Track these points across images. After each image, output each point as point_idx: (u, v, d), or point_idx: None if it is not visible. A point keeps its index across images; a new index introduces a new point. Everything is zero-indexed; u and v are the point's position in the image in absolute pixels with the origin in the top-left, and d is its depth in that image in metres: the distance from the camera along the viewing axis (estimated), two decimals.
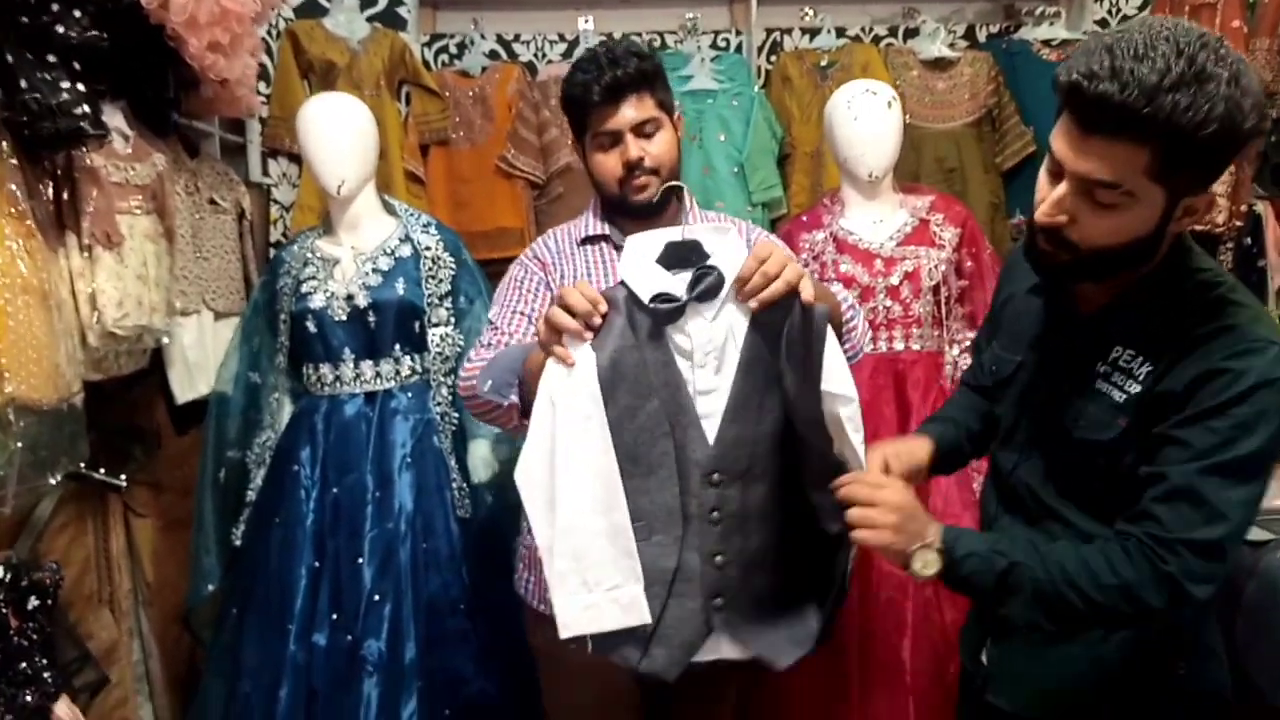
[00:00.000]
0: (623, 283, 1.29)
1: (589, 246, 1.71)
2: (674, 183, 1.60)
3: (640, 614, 1.26)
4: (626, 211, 1.66)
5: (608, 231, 1.70)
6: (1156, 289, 1.13)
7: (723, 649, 1.32)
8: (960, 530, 1.19)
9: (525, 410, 1.48)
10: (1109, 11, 3.19)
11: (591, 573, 1.25)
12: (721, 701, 1.80)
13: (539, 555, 1.65)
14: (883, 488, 1.21)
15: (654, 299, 1.26)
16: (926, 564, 1.16)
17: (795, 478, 1.30)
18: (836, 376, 1.27)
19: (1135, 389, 1.12)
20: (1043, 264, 1.16)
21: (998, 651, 1.34)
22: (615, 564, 1.25)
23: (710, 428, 1.27)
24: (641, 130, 1.61)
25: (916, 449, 1.42)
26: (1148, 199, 1.04)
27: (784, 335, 1.25)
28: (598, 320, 1.25)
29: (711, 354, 1.27)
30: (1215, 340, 1.07)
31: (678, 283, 1.28)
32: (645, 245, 1.31)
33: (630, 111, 1.59)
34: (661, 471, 1.26)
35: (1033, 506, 1.27)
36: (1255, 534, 1.48)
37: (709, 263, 1.28)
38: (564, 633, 1.27)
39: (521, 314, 1.65)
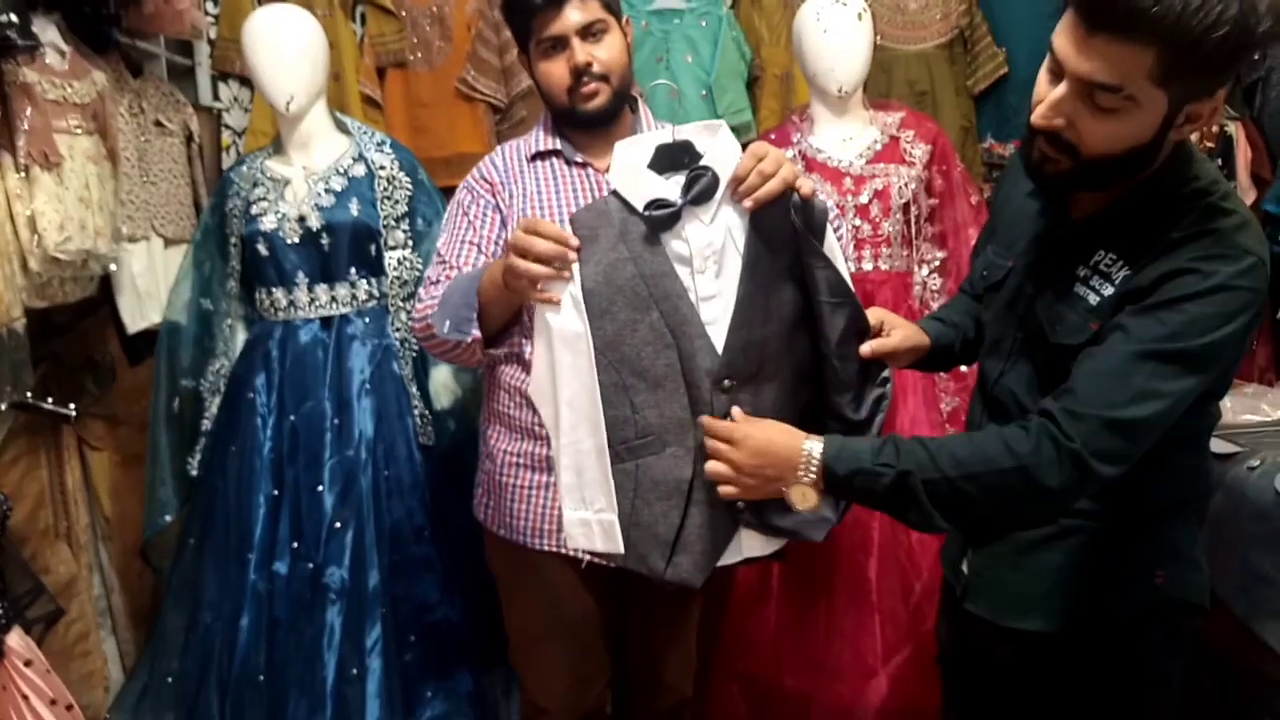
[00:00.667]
0: (614, 192, 1.27)
1: (539, 162, 1.65)
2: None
3: (614, 543, 1.27)
4: (577, 122, 1.61)
5: (559, 146, 1.64)
6: (1150, 195, 1.10)
7: (745, 547, 1.31)
8: (842, 443, 1.15)
9: (489, 340, 1.47)
10: None
11: (588, 490, 1.29)
12: (686, 622, 1.80)
13: (497, 479, 1.66)
14: (732, 439, 1.19)
15: (648, 206, 1.23)
16: (804, 497, 1.16)
17: (804, 374, 1.29)
18: (840, 269, 1.27)
19: (1109, 291, 1.10)
20: (1042, 172, 1.11)
21: (978, 559, 1.33)
22: (600, 486, 1.27)
23: (717, 334, 1.25)
24: (588, 32, 1.55)
25: (917, 332, 1.40)
26: (1150, 104, 1.00)
27: (784, 231, 1.23)
28: (572, 256, 1.24)
29: (711, 258, 1.25)
30: (1192, 243, 1.05)
31: (671, 186, 1.25)
32: (635, 151, 1.28)
33: (575, 14, 1.53)
34: (668, 384, 1.25)
35: (1016, 415, 1.23)
36: (1221, 447, 1.48)
37: (702, 163, 1.25)
38: (570, 543, 1.32)
39: (470, 243, 1.61)
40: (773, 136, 2.23)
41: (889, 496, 1.11)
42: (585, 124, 1.60)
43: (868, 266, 2.09)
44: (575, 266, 1.25)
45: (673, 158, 1.28)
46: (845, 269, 1.27)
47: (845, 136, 2.13)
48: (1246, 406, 1.70)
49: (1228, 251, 1.03)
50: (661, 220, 1.23)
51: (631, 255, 1.24)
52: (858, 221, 2.07)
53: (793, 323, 1.27)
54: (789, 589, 2.09)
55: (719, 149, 1.25)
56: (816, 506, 1.17)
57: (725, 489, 1.19)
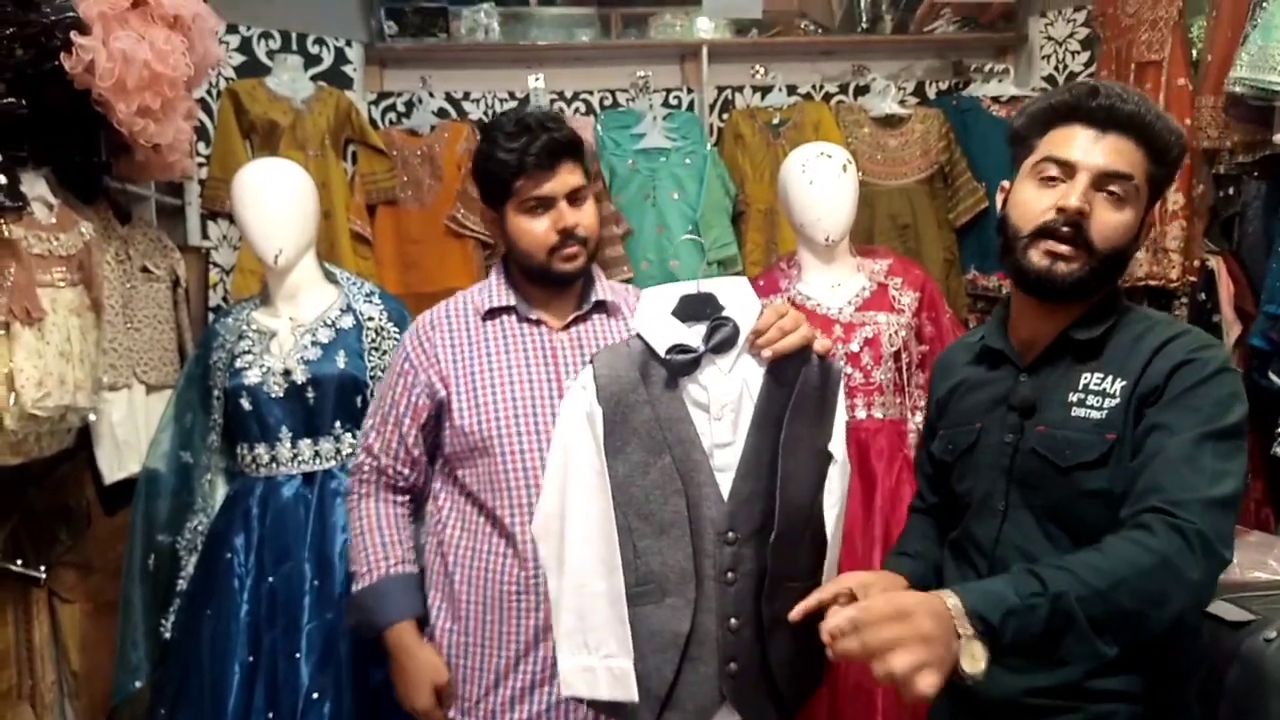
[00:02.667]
0: (638, 335, 1.30)
1: (490, 321, 1.63)
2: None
3: (628, 690, 1.24)
4: (549, 280, 1.60)
5: (513, 302, 1.63)
6: (1102, 317, 1.23)
7: (726, 714, 1.28)
8: (976, 589, 1.02)
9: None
10: (1055, 68, 3.23)
11: (593, 635, 1.26)
12: None
13: (445, 662, 1.59)
14: (870, 607, 0.98)
15: (670, 350, 1.27)
16: (975, 656, 0.95)
17: (813, 536, 1.30)
18: (838, 437, 1.30)
19: (1114, 403, 1.17)
20: (1053, 274, 1.19)
21: None
22: (612, 630, 1.25)
23: (725, 483, 1.26)
24: (575, 198, 1.57)
25: (894, 581, 1.33)
26: (1141, 200, 1.20)
27: (797, 387, 1.27)
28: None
29: (728, 406, 1.27)
30: (1176, 341, 1.17)
31: (693, 335, 1.29)
32: (660, 298, 1.33)
33: (566, 177, 1.55)
34: (674, 530, 1.25)
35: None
36: (1234, 614, 1.44)
37: (723, 314, 1.29)
38: (565, 690, 1.29)
39: (394, 427, 1.62)
40: (761, 283, 2.24)
41: (1047, 632, 0.99)
42: (557, 283, 1.60)
43: (861, 414, 2.07)
44: (596, 407, 1.26)
45: (696, 308, 1.32)
46: (843, 432, 1.31)
47: (833, 283, 2.14)
48: (1253, 561, 1.66)
49: (1209, 342, 1.18)
50: (682, 365, 1.27)
51: (650, 399, 1.27)
52: (849, 369, 2.06)
53: (804, 481, 1.28)
54: None
55: (740, 302, 1.31)
56: (987, 670, 0.95)
57: (896, 660, 0.93)
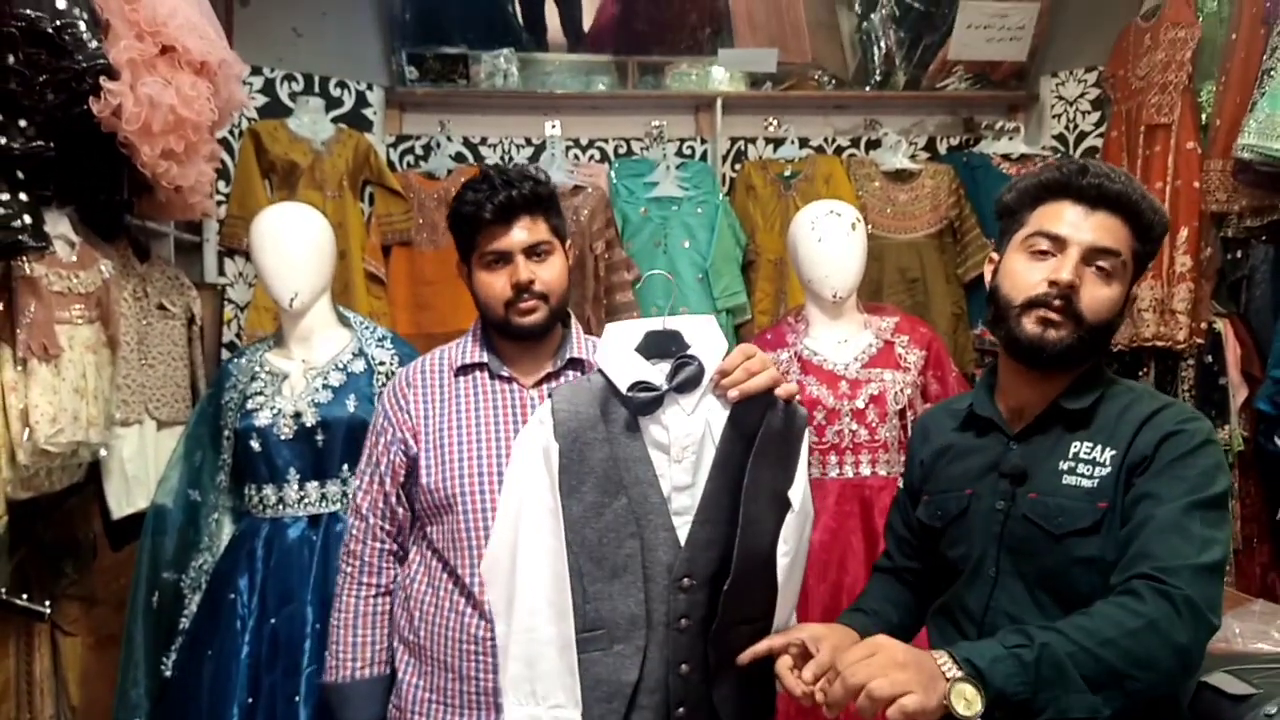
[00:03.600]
0: (599, 371, 1.27)
1: (463, 377, 1.64)
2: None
3: None
4: (510, 334, 1.61)
5: (485, 359, 1.63)
6: (1086, 389, 1.26)
7: None
8: (960, 645, 1.06)
9: None
10: (1066, 127, 3.26)
11: (541, 684, 1.22)
12: None
13: (408, 717, 1.59)
14: (839, 647, 1.15)
15: (632, 387, 1.24)
16: (969, 700, 0.99)
17: (769, 587, 1.27)
18: (799, 484, 1.28)
19: (1105, 472, 1.19)
20: (1044, 341, 1.22)
21: None
22: (560, 680, 1.21)
23: (682, 526, 1.24)
24: (533, 252, 1.57)
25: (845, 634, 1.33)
26: (1126, 275, 1.25)
27: (760, 431, 1.24)
28: None
29: (689, 448, 1.24)
30: (1163, 413, 1.20)
31: (657, 372, 1.26)
32: (625, 333, 1.30)
33: (522, 233, 1.56)
34: (626, 576, 1.22)
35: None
36: (1235, 686, 1.43)
37: (689, 352, 1.27)
38: None
39: (379, 485, 1.63)
40: (768, 337, 2.26)
41: (1038, 680, 1.01)
42: (517, 337, 1.61)
43: (865, 471, 2.08)
44: (552, 443, 1.23)
45: (661, 345, 1.30)
46: (804, 479, 1.28)
47: (840, 339, 2.15)
48: (1255, 633, 1.65)
49: (1194, 415, 1.21)
50: (644, 403, 1.24)
51: (609, 436, 1.24)
52: (854, 426, 2.07)
53: (764, 527, 1.25)
54: None
55: (706, 341, 1.28)
56: (984, 714, 0.98)
57: (905, 701, 0.97)
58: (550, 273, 1.58)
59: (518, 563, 1.23)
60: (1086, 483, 1.20)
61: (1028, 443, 1.27)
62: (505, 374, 1.62)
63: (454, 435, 1.57)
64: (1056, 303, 1.21)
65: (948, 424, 1.41)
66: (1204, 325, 2.73)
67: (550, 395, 1.33)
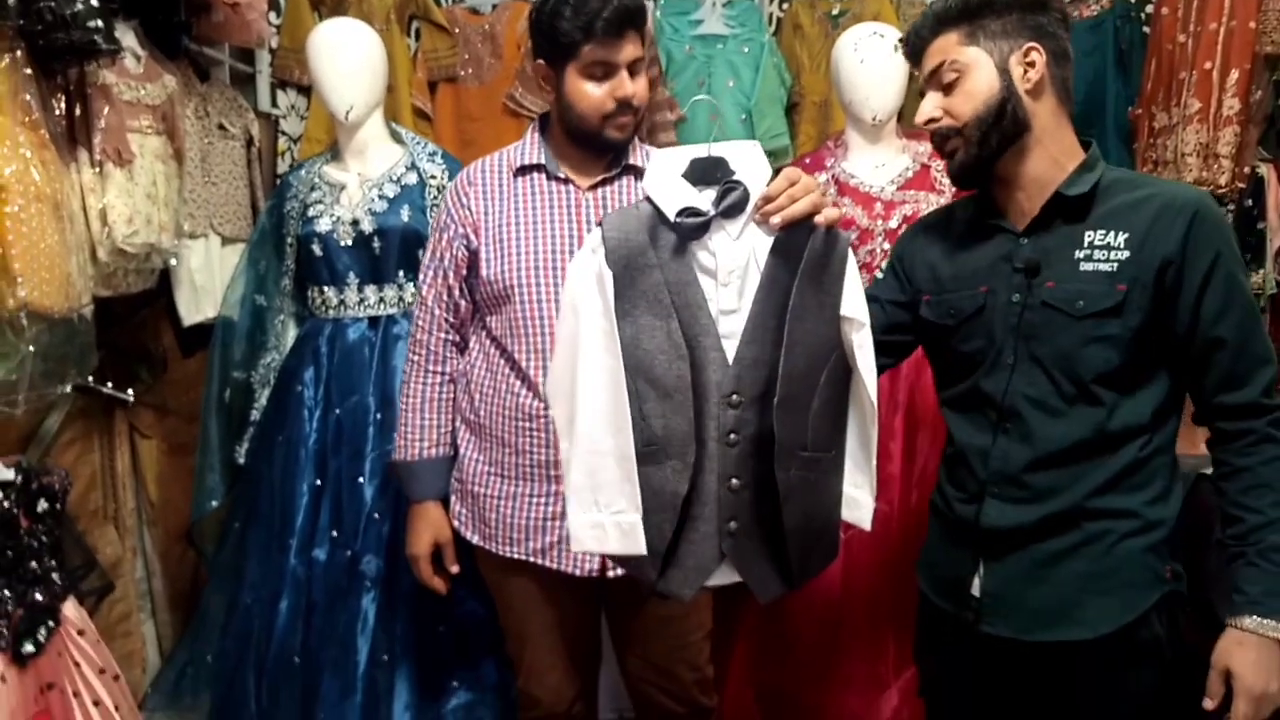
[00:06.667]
0: (647, 198, 1.29)
1: (521, 178, 1.69)
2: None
3: (636, 543, 1.26)
4: (594, 146, 1.65)
5: (543, 160, 1.68)
6: (1083, 180, 1.33)
7: (726, 573, 1.33)
8: (1243, 603, 1.25)
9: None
10: None
11: (602, 493, 1.26)
12: (691, 633, 1.81)
13: (470, 489, 1.73)
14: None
15: (679, 213, 1.26)
16: None
17: (821, 404, 1.30)
18: (854, 301, 1.28)
19: (1124, 255, 1.28)
20: (961, 174, 1.38)
21: (992, 581, 1.38)
22: (619, 487, 1.25)
23: (731, 348, 1.27)
24: (634, 69, 1.60)
25: None
26: (976, 61, 1.33)
27: (804, 256, 1.26)
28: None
29: (735, 272, 1.27)
30: (1166, 201, 1.29)
31: (703, 199, 1.28)
32: (671, 160, 1.31)
33: (629, 47, 1.57)
34: (677, 395, 1.26)
35: (1033, 416, 1.34)
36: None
37: (734, 178, 1.28)
38: (575, 546, 1.31)
39: (443, 279, 1.74)
40: (807, 161, 2.30)
41: None
42: (603, 148, 1.65)
43: None
44: (605, 269, 1.26)
45: (706, 171, 1.30)
46: (861, 295, 1.30)
47: (878, 163, 2.19)
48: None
49: (1194, 197, 1.29)
50: (691, 229, 1.26)
51: (659, 262, 1.27)
52: (887, 245, 2.12)
53: (814, 347, 1.28)
54: (805, 602, 2.14)
55: (751, 167, 1.30)
56: None
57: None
58: (644, 89, 1.62)
59: (577, 382, 1.26)
60: (1105, 267, 1.29)
61: (1036, 238, 1.35)
62: (562, 175, 1.68)
63: (512, 230, 1.66)
64: None
65: (946, 230, 1.49)
66: (1247, 170, 2.72)
67: (607, 209, 1.37)
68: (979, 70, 1.32)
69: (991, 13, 1.33)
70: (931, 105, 1.37)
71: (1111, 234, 1.29)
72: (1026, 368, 1.35)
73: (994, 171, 1.37)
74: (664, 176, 1.30)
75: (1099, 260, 1.29)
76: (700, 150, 1.31)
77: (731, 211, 1.27)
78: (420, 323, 1.78)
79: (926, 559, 1.54)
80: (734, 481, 1.28)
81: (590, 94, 1.59)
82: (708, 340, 1.27)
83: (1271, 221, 2.69)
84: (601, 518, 1.27)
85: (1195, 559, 1.52)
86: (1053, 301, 1.31)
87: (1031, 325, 1.34)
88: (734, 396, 1.27)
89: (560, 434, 1.31)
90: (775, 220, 1.26)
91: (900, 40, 1.43)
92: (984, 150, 1.34)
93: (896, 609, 2.06)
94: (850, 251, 1.30)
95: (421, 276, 1.77)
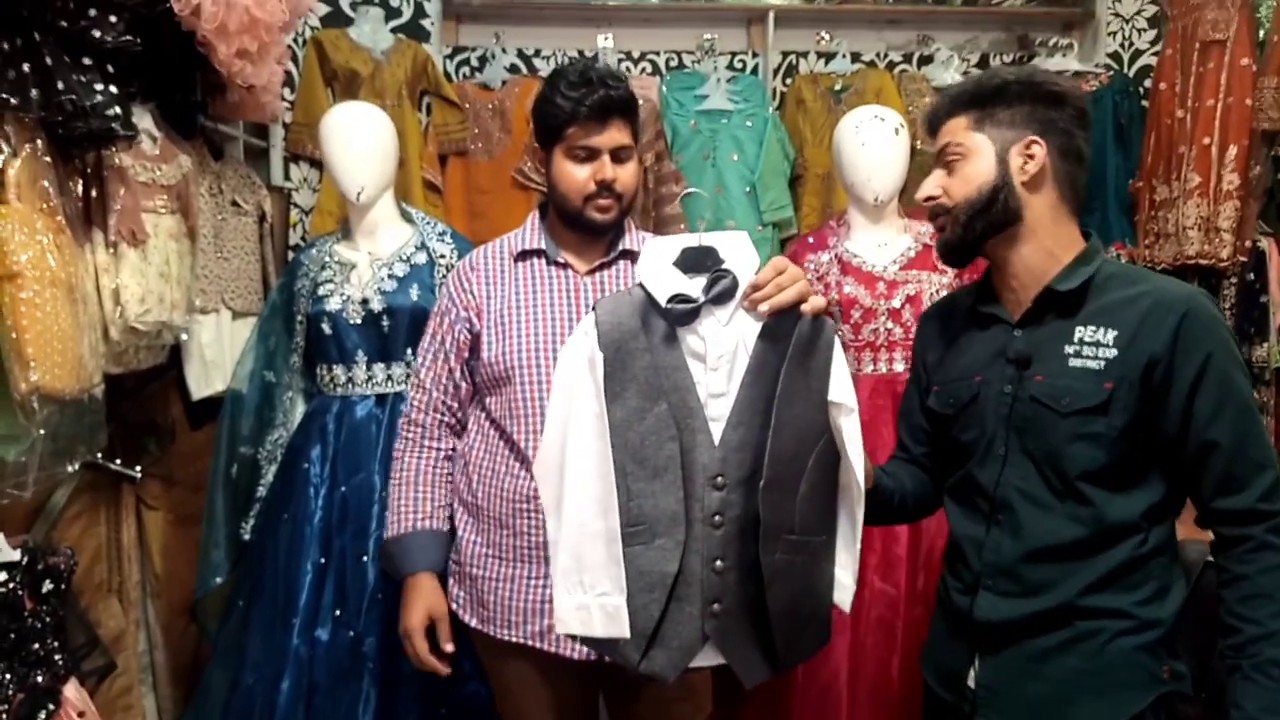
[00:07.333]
0: (640, 284, 1.33)
1: (522, 262, 1.74)
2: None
3: (620, 626, 1.27)
4: (580, 227, 1.70)
5: (543, 246, 1.74)
6: (1077, 273, 1.34)
7: (710, 655, 1.32)
8: (1246, 715, 1.21)
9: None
10: (1121, 45, 3.24)
11: (588, 575, 1.27)
12: (690, 715, 1.80)
13: (467, 571, 1.73)
14: None
15: (670, 299, 1.30)
16: None
17: (809, 488, 1.31)
18: (841, 386, 1.30)
19: (1111, 354, 1.28)
20: (945, 252, 1.42)
21: (988, 673, 1.37)
22: (605, 569, 1.26)
23: (717, 430, 1.29)
24: (618, 155, 1.66)
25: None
26: (978, 147, 1.36)
27: (792, 342, 1.28)
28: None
29: (724, 357, 1.30)
30: (1158, 300, 1.28)
31: (694, 286, 1.31)
32: (663, 249, 1.35)
33: (613, 134, 1.65)
34: (667, 475, 1.27)
35: (1023, 508, 1.34)
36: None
37: (724, 267, 1.32)
38: (560, 628, 1.32)
39: (444, 361, 1.76)
40: (811, 240, 2.33)
41: None
42: (587, 230, 1.70)
43: (899, 368, 2.16)
44: (597, 352, 1.29)
45: (697, 260, 1.34)
46: (849, 381, 1.31)
47: (880, 242, 2.22)
48: None
49: (1183, 296, 1.28)
50: (681, 314, 1.29)
51: (649, 346, 1.29)
52: (890, 324, 2.15)
53: (802, 432, 1.30)
54: (809, 686, 2.11)
55: (740, 256, 1.33)
56: None
57: None
58: (628, 176, 1.68)
59: (566, 464, 1.28)
60: (1093, 364, 1.28)
61: (1030, 330, 1.36)
62: (561, 260, 1.73)
63: (513, 314, 1.69)
64: None
65: (952, 319, 1.51)
66: (1248, 244, 2.75)
67: (605, 294, 1.36)
68: (979, 156, 1.35)
69: (1002, 101, 1.35)
70: (933, 183, 1.40)
71: (1101, 331, 1.29)
72: (1018, 459, 1.35)
73: (985, 255, 1.40)
74: (656, 264, 1.34)
75: (1087, 357, 1.29)
76: (692, 239, 1.35)
77: (721, 299, 1.30)
78: (416, 403, 1.80)
79: (929, 649, 1.53)
80: (718, 563, 1.29)
81: (573, 175, 1.66)
82: (696, 423, 1.29)
83: (1274, 295, 2.71)
84: (587, 600, 1.28)
85: (1204, 649, 1.51)
86: (1040, 396, 1.32)
87: (1022, 418, 1.34)
88: (719, 479, 1.28)
89: (548, 514, 1.33)
90: (763, 308, 1.29)
91: (924, 116, 1.48)
92: (968, 233, 1.37)
93: (904, 696, 2.04)
94: (836, 338, 1.32)
95: (420, 359, 1.79)
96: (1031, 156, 1.33)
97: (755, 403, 1.29)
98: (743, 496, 1.29)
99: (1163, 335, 1.26)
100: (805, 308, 1.30)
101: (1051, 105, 1.34)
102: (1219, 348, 1.26)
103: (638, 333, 1.29)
